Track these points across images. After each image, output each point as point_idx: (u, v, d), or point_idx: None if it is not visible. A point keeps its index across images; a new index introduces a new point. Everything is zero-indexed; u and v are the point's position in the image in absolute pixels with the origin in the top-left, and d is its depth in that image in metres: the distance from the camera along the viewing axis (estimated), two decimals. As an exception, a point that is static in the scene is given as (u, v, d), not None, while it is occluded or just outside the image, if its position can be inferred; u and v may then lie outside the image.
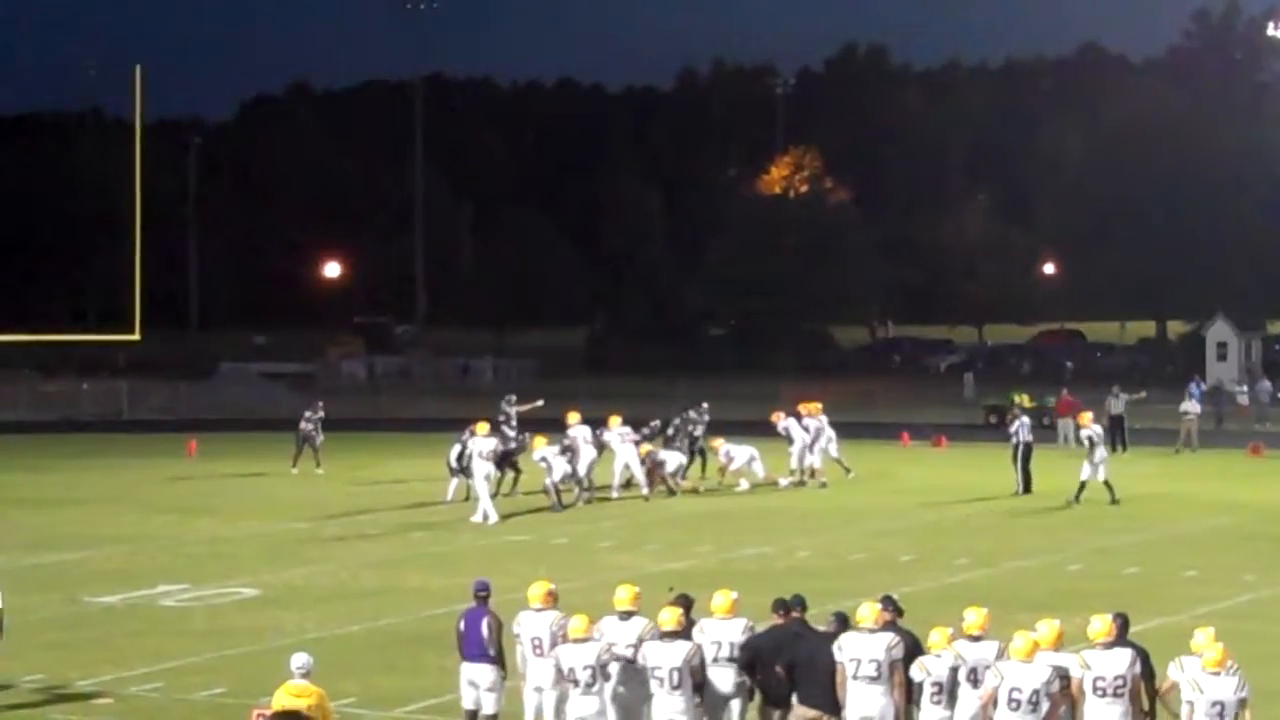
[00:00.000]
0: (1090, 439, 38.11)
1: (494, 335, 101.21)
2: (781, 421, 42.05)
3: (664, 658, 16.35)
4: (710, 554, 31.12)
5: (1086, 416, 40.08)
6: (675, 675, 16.29)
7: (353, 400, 69.98)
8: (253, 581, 28.35)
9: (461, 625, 17.90)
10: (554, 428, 39.43)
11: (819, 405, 42.59)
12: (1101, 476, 37.60)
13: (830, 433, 42.67)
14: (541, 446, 37.49)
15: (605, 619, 17.00)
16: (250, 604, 26.62)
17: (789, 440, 41.90)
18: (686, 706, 16.33)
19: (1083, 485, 37.61)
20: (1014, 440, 40.41)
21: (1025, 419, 40.60)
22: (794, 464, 42.00)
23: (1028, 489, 39.69)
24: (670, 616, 16.57)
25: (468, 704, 17.88)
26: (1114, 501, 37.28)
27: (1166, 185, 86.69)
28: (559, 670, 16.69)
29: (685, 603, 17.17)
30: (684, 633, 16.59)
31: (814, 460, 41.63)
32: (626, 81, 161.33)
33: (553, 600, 17.52)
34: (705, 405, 42.40)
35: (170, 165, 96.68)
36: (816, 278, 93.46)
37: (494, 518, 35.12)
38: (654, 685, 16.36)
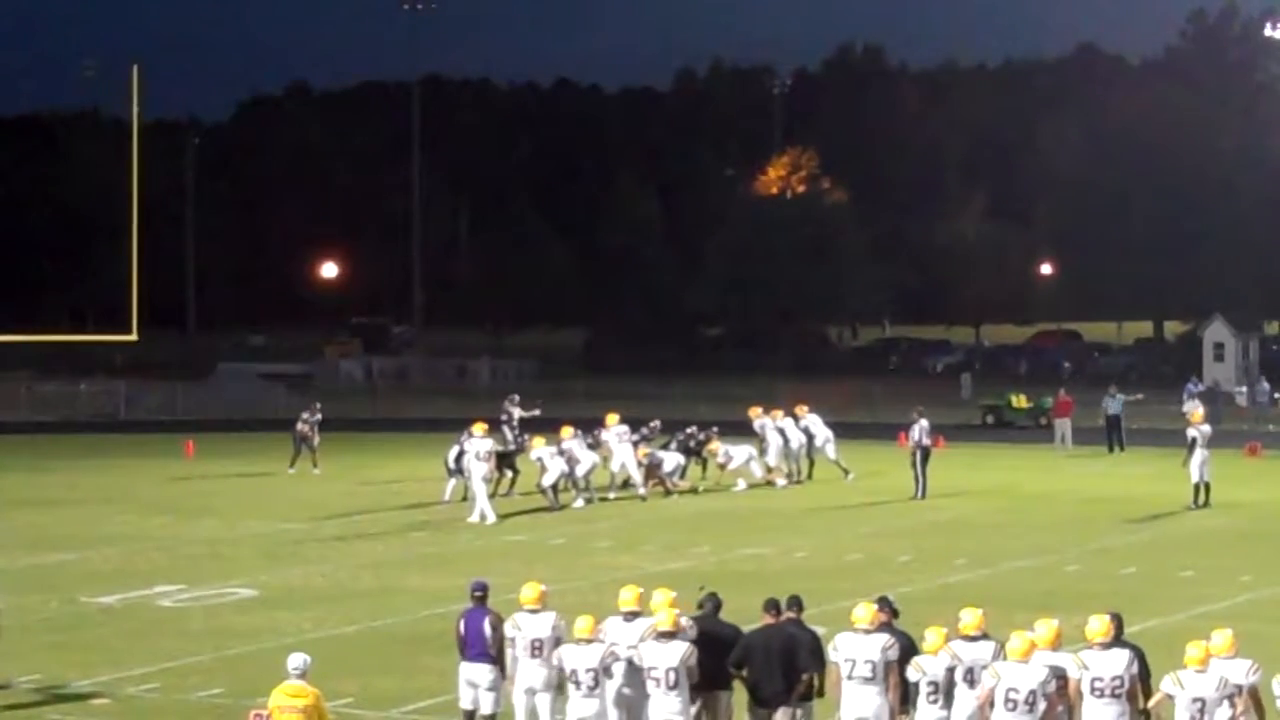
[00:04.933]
0: (1194, 439, 37.39)
1: (491, 336, 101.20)
2: (778, 421, 42.07)
3: (660, 658, 16.35)
4: (708, 554, 31.12)
5: (1198, 414, 39.59)
6: (671, 675, 16.30)
7: (350, 401, 69.95)
8: (250, 582, 28.35)
9: (461, 626, 17.90)
10: (554, 430, 39.36)
11: (779, 410, 42.66)
12: (1195, 478, 37.13)
13: (828, 434, 42.71)
14: (539, 446, 37.50)
15: (609, 619, 17.02)
16: (248, 604, 26.61)
17: (785, 441, 41.94)
18: (683, 707, 16.35)
19: (1200, 488, 37.12)
20: (911, 443, 39.79)
21: (924, 422, 39.93)
22: (790, 464, 42.06)
23: (923, 494, 39.04)
24: (666, 617, 16.58)
25: (465, 704, 17.89)
26: (1201, 505, 36.98)
27: (1164, 186, 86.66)
28: (560, 670, 16.71)
29: (715, 602, 17.21)
30: (681, 633, 16.60)
31: (771, 459, 41.60)
32: (624, 82, 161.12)
33: (545, 600, 17.56)
34: (715, 429, 42.37)
35: (168, 165, 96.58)
36: (814, 278, 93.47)
37: (491, 518, 35.13)
38: (650, 685, 16.37)
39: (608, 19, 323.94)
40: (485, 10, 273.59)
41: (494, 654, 17.62)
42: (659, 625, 16.54)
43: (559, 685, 17.15)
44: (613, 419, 39.93)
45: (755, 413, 42.23)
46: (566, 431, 38.30)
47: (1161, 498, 38.32)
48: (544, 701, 17.26)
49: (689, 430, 41.86)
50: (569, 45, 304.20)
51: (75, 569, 30.05)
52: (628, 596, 17.13)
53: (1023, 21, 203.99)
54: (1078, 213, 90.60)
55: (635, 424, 40.65)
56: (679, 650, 16.37)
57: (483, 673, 17.66)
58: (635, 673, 16.61)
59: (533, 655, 17.23)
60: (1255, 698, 15.15)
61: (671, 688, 16.29)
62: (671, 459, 40.24)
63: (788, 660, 16.56)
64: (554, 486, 37.05)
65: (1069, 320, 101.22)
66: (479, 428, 36.62)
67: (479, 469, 35.61)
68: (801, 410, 42.77)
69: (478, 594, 17.98)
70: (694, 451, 41.42)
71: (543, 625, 17.27)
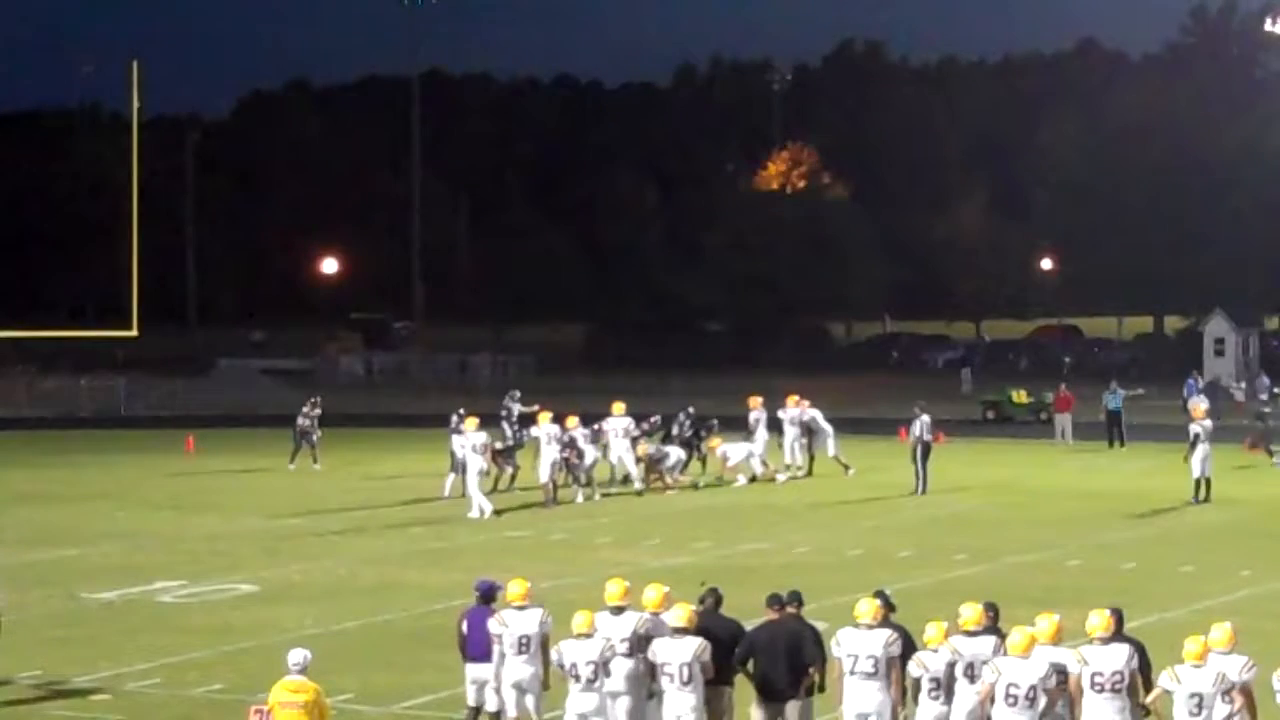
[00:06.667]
0: (1197, 434, 37.25)
1: (492, 331, 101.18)
2: (787, 411, 42.12)
3: (674, 654, 16.36)
4: (708, 549, 31.14)
5: (1200, 410, 39.46)
6: (685, 671, 16.31)
7: (350, 396, 70.02)
8: (251, 578, 28.35)
9: (464, 626, 17.86)
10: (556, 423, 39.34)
11: (794, 395, 42.84)
12: (1197, 473, 37.07)
13: (828, 429, 42.71)
14: (543, 423, 37.51)
15: (597, 615, 17.00)
16: (248, 600, 26.62)
17: (780, 434, 42.01)
18: (697, 703, 16.36)
19: (1201, 483, 37.07)
20: (912, 438, 39.79)
21: (925, 417, 39.85)
22: (787, 459, 42.11)
23: (924, 489, 39.03)
24: (681, 614, 16.58)
25: (472, 701, 17.89)
26: (1202, 500, 36.95)
27: (1164, 181, 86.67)
28: (560, 665, 16.71)
29: (716, 597, 17.23)
30: (694, 630, 16.58)
31: (764, 452, 41.65)
32: (624, 78, 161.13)
33: (532, 597, 17.54)
34: (715, 422, 42.38)
35: (168, 161, 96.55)
36: (814, 274, 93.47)
37: (488, 510, 35.08)
38: (664, 682, 16.39)
39: (608, 14, 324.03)
40: (485, 5, 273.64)
41: None
42: (674, 621, 16.55)
43: (545, 682, 17.19)
44: (619, 408, 39.88)
45: (755, 404, 42.27)
46: (572, 421, 38.34)
47: (1162, 493, 38.32)
48: (531, 701, 17.27)
49: (684, 418, 41.72)
50: (569, 40, 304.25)
51: (76, 564, 30.05)
52: (614, 591, 17.16)
53: (1023, 17, 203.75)
54: (1078, 208, 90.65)
55: (636, 419, 40.63)
56: (692, 646, 16.37)
57: (490, 672, 17.63)
58: (632, 668, 16.64)
59: (519, 651, 17.23)
60: (1248, 694, 15.16)
61: (685, 683, 16.30)
62: (673, 454, 40.25)
63: (795, 654, 16.57)
64: (553, 483, 37.05)
65: (1069, 315, 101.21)
66: (470, 422, 36.52)
67: (475, 462, 35.59)
68: (803, 404, 42.75)
69: (480, 593, 17.93)
70: (694, 446, 41.43)
71: (529, 621, 17.28)
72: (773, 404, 43.02)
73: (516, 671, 17.25)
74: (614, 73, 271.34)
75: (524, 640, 17.22)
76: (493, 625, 17.39)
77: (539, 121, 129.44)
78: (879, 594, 16.91)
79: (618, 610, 17.00)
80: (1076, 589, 25.93)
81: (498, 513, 35.36)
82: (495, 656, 17.37)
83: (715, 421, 42.57)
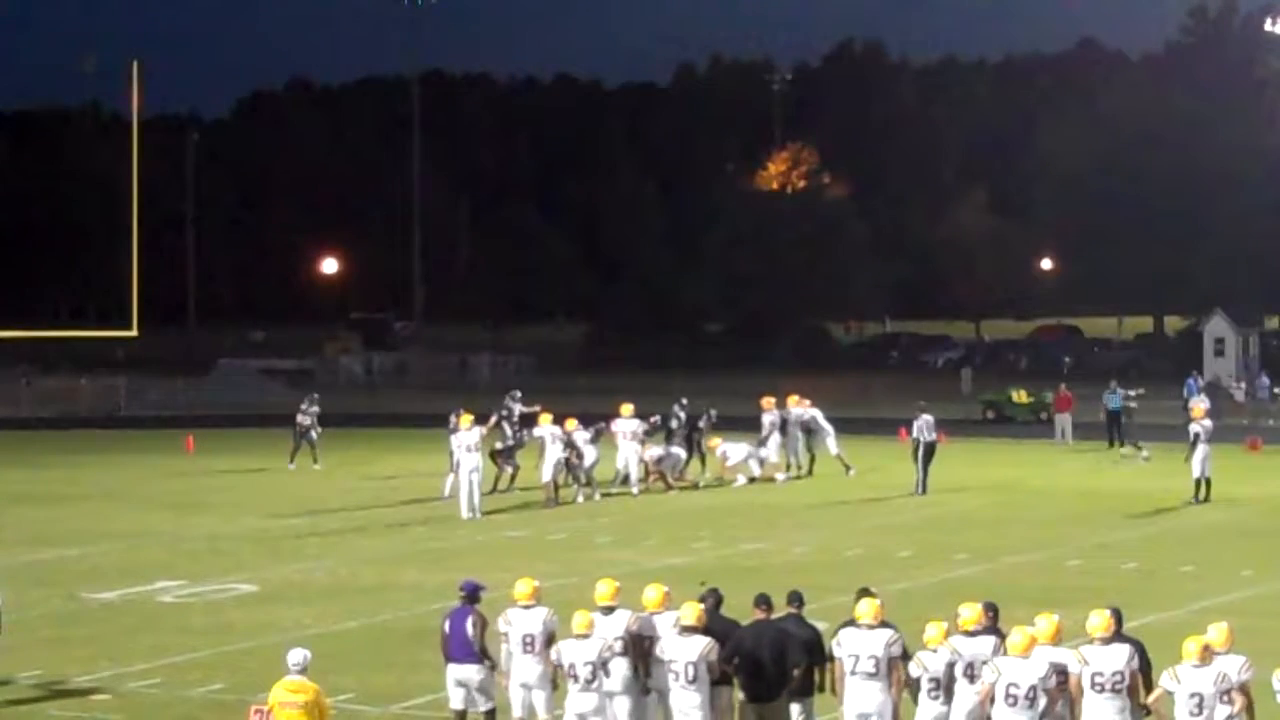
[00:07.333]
0: (1197, 434, 37.26)
1: (491, 331, 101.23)
2: (790, 410, 42.12)
3: (681, 652, 16.38)
4: (708, 549, 31.13)
5: (1199, 409, 39.48)
6: (690, 670, 16.32)
7: (350, 396, 70.04)
8: (251, 577, 28.35)
9: (446, 626, 17.81)
10: (556, 424, 39.32)
11: (794, 395, 42.86)
12: (1197, 472, 37.08)
13: (829, 429, 42.71)
14: (544, 424, 37.49)
15: (594, 614, 16.98)
16: (248, 600, 26.62)
17: (782, 434, 41.98)
18: (703, 701, 16.37)
19: (1202, 483, 37.09)
20: (914, 439, 39.70)
21: (927, 417, 39.90)
22: (790, 458, 42.11)
23: (924, 489, 38.97)
24: (691, 612, 16.59)
25: (456, 704, 17.81)
26: (1202, 500, 37.00)
27: (1164, 181, 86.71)
28: (559, 665, 16.71)
29: (717, 597, 17.22)
30: (703, 629, 16.58)
31: (770, 454, 41.64)
32: (624, 78, 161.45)
33: (539, 596, 17.54)
34: (714, 412, 42.39)
35: (168, 161, 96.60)
36: (814, 273, 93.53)
37: (464, 507, 34.96)
38: (670, 680, 16.42)
39: (608, 14, 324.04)
40: (485, 5, 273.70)
41: (478, 652, 17.57)
42: (681, 620, 16.57)
43: (554, 681, 17.19)
44: (626, 410, 39.83)
45: (767, 404, 42.22)
46: (571, 424, 38.32)
47: (1162, 493, 38.31)
48: (540, 699, 17.27)
49: (678, 410, 41.59)
50: (569, 40, 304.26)
51: (76, 565, 30.05)
52: (603, 590, 17.17)
53: (1023, 16, 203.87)
54: (1078, 207, 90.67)
55: (640, 418, 40.58)
56: (700, 645, 16.38)
57: (471, 673, 17.61)
58: (629, 666, 16.63)
59: (525, 650, 17.24)
60: (1246, 694, 15.16)
61: (690, 682, 16.32)
62: (674, 454, 40.25)
63: (779, 656, 16.54)
64: (554, 483, 37.04)
65: (1069, 315, 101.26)
66: (465, 420, 36.48)
67: (469, 460, 35.55)
68: (803, 404, 42.76)
69: (464, 593, 17.90)
70: (694, 444, 41.43)
71: (534, 621, 17.28)
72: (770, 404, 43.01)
73: (523, 670, 17.25)
74: (614, 73, 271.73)
75: (528, 639, 17.22)
76: (499, 624, 17.41)
77: (539, 121, 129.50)
78: (863, 591, 16.89)
79: (608, 610, 17.02)
80: (1076, 589, 25.91)
81: (489, 513, 35.34)
82: (503, 655, 17.38)
83: (713, 411, 42.52)
